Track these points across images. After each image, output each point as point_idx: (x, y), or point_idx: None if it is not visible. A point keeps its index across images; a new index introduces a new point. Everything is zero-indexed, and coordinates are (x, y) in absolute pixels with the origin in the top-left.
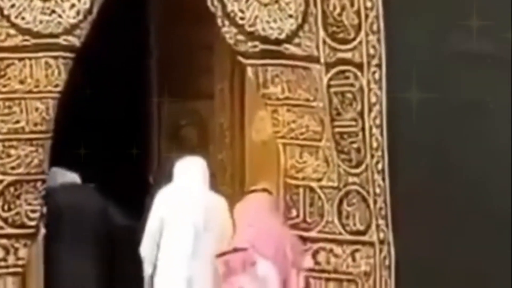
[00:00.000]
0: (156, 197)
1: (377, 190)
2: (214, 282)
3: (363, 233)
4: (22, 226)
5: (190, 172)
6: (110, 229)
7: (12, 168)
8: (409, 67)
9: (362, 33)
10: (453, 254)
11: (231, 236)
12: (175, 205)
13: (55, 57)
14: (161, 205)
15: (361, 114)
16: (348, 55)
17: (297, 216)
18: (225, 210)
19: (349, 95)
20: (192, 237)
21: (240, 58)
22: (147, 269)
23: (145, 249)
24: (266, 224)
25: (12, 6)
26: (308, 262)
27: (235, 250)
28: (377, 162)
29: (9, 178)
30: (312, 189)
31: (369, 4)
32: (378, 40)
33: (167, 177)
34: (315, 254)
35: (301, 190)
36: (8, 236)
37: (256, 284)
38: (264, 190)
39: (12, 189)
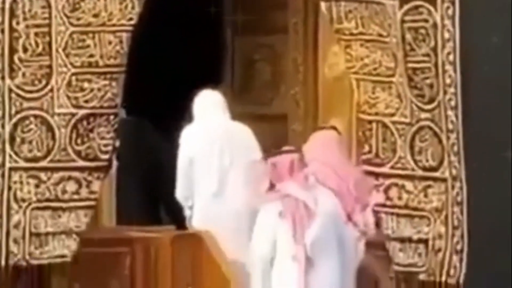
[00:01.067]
0: (181, 137)
1: (450, 127)
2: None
3: (435, 169)
4: (95, 159)
5: (209, 106)
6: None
7: (86, 101)
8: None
9: None
10: None
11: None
12: (201, 142)
13: None
14: (188, 144)
15: (434, 50)
16: None
17: (370, 151)
18: (251, 137)
19: (423, 31)
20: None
21: None
22: (186, 211)
23: (180, 192)
24: (330, 159)
25: None
26: (379, 197)
27: (283, 152)
28: (450, 99)
29: (82, 112)
30: (384, 125)
31: None
32: None
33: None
34: (387, 190)
35: (373, 125)
36: (81, 169)
37: (305, 194)
38: (333, 128)
39: (85, 122)
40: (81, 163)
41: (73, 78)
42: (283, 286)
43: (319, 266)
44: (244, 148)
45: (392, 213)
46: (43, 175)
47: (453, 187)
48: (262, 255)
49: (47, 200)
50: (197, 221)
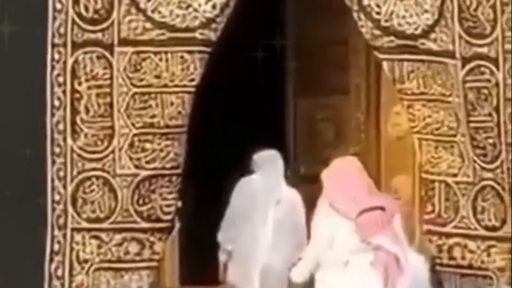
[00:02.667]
0: (237, 186)
1: None
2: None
3: (498, 228)
4: (157, 220)
5: (267, 165)
6: None
7: (147, 162)
8: None
9: (498, 28)
10: None
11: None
12: (253, 196)
13: (191, 52)
14: (241, 194)
15: (496, 109)
16: (484, 50)
17: (433, 211)
18: (299, 203)
19: (485, 91)
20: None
21: (376, 53)
22: (221, 256)
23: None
24: (351, 188)
25: (148, 0)
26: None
27: (368, 209)
28: None
29: (144, 173)
30: (447, 184)
31: None
32: None
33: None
34: (450, 250)
35: (436, 185)
36: (143, 230)
37: (396, 247)
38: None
39: (147, 183)
40: (143, 224)
41: (135, 139)
42: None
43: None
44: (290, 214)
45: (455, 273)
46: (105, 236)
47: None
48: None
49: (109, 261)
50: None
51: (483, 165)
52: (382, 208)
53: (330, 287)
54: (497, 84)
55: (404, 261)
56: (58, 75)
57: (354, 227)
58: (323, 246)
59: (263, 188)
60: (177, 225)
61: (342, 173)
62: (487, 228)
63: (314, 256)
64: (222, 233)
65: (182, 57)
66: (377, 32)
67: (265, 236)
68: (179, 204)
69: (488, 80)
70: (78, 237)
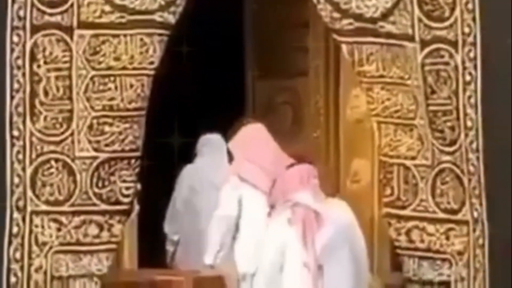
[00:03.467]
0: (180, 175)
1: (471, 169)
2: None
3: (457, 211)
4: (117, 203)
5: (211, 149)
6: None
7: (106, 145)
8: (504, 46)
9: (457, 11)
10: None
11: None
12: (194, 185)
13: (150, 34)
14: (182, 184)
15: (455, 92)
16: (443, 33)
17: (391, 194)
18: None
19: (444, 74)
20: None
21: (335, 36)
22: (168, 246)
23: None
24: (259, 156)
25: None
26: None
27: (294, 164)
28: (472, 141)
29: (103, 155)
30: (406, 167)
31: None
32: (473, 19)
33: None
34: (408, 233)
35: (395, 168)
36: (102, 213)
37: (316, 203)
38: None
39: (106, 166)
40: (102, 206)
41: (94, 121)
42: None
43: (330, 273)
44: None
45: (413, 256)
46: (64, 219)
47: (474, 229)
48: (270, 263)
49: (69, 244)
50: None
51: (442, 148)
52: (309, 162)
53: (247, 250)
54: (456, 67)
55: (324, 215)
56: (17, 57)
57: (264, 197)
58: (230, 220)
59: (206, 173)
60: (136, 207)
61: (249, 143)
62: (446, 211)
63: (221, 234)
64: (167, 225)
65: (141, 39)
66: (336, 14)
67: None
68: (139, 187)
69: (447, 63)
70: (37, 220)
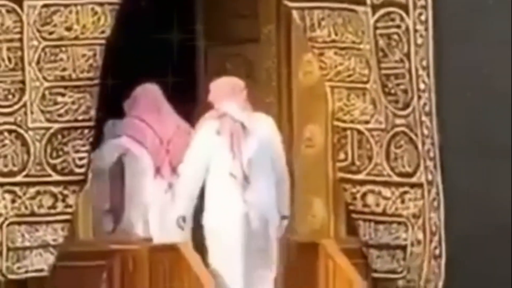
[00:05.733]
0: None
1: (425, 132)
2: None
3: (411, 174)
4: (71, 173)
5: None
6: None
7: (60, 115)
8: (455, 8)
9: None
10: (500, 190)
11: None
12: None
13: (101, 4)
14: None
15: (407, 55)
16: None
17: (346, 159)
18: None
19: (395, 37)
20: None
21: (286, 2)
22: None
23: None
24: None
25: None
26: None
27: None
28: (425, 104)
29: (56, 126)
30: (360, 132)
31: None
32: None
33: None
34: (363, 197)
35: (349, 132)
36: (56, 184)
37: (243, 114)
38: None
39: (59, 136)
40: (56, 177)
41: (47, 92)
42: (221, 202)
43: (255, 183)
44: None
45: (369, 220)
46: (18, 190)
47: (429, 192)
48: (193, 173)
49: (24, 215)
50: None
51: (395, 111)
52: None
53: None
54: (407, 30)
55: (250, 126)
56: None
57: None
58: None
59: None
60: (90, 177)
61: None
62: (400, 174)
63: None
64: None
65: (92, 9)
66: None
67: None
68: (92, 156)
69: (398, 26)
70: None
